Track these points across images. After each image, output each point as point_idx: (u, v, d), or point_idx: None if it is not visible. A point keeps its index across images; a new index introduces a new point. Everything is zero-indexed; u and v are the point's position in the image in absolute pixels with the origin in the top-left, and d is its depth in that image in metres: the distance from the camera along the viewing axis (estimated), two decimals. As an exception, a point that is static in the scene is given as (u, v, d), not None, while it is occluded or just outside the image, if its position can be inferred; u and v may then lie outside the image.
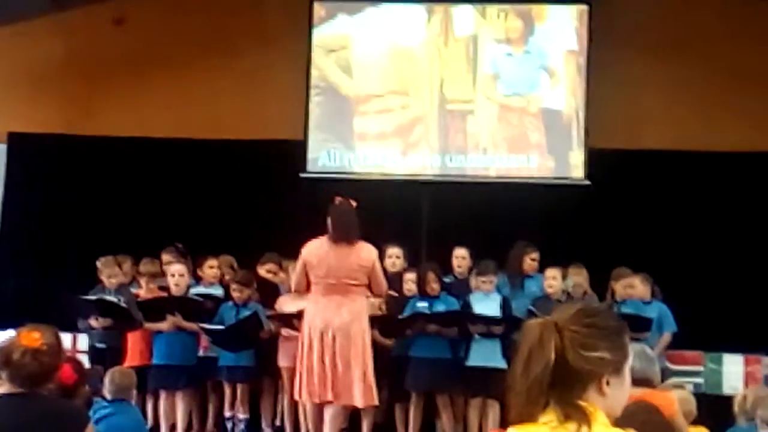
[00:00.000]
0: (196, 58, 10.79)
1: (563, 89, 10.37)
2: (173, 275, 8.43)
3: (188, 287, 8.54)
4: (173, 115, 10.69)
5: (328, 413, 7.16)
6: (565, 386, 2.20)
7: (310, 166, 10.47)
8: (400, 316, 8.16)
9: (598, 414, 2.20)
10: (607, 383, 2.23)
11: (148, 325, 8.35)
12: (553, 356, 2.19)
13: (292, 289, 7.83)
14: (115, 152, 10.80)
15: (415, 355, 8.14)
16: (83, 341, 8.86)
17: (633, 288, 8.46)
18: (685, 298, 9.01)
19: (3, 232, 11.01)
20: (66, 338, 7.54)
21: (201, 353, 8.46)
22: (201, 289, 8.71)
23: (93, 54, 10.93)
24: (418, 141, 10.50)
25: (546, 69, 10.39)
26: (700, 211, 10.13)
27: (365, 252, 7.23)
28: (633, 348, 2.35)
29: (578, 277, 8.55)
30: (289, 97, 10.49)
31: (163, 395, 8.33)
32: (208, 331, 8.29)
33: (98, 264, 8.78)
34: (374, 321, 7.68)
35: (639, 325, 7.71)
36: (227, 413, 8.41)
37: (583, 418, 2.18)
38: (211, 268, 8.82)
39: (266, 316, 8.30)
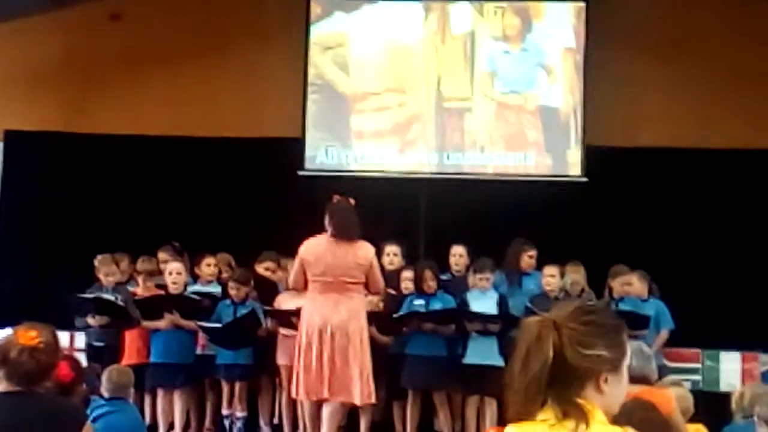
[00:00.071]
0: (194, 55, 10.78)
1: (561, 87, 10.37)
2: (171, 273, 8.43)
3: (186, 285, 8.54)
4: (170, 112, 10.68)
5: (326, 411, 7.16)
6: (564, 384, 2.20)
7: (307, 164, 10.47)
8: (395, 315, 8.16)
9: (596, 412, 2.21)
10: (605, 381, 2.24)
11: (146, 324, 8.34)
12: (551, 354, 2.19)
13: (290, 286, 7.83)
14: (113, 150, 10.79)
15: (411, 352, 8.14)
16: (81, 339, 8.84)
17: (630, 285, 8.47)
18: (683, 295, 9.02)
19: (0, 230, 10.99)
20: (63, 336, 7.55)
21: (199, 351, 8.46)
22: (198, 288, 8.71)
23: (90, 51, 10.93)
24: (416, 139, 10.50)
25: (543, 67, 10.38)
26: (698, 208, 10.13)
27: (363, 250, 7.24)
28: (630, 346, 2.35)
29: (576, 275, 8.54)
30: (286, 94, 10.48)
31: (160, 393, 8.33)
32: (205, 329, 8.28)
33: (95, 262, 8.76)
34: (372, 318, 7.68)
35: (636, 323, 7.72)
36: (225, 411, 8.40)
37: (582, 415, 2.18)
38: (208, 266, 8.81)
39: (264, 314, 8.29)
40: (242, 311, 8.25)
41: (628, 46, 10.30)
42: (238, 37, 10.74)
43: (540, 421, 2.22)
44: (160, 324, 8.28)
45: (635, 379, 3.21)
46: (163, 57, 10.81)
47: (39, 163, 11.03)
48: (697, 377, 9.07)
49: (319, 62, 10.58)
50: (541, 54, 10.39)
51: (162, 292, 8.51)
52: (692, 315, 8.92)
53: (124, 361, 7.90)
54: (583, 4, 10.29)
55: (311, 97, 10.54)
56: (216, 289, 8.72)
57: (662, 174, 10.27)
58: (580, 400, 2.21)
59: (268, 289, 8.56)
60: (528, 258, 8.82)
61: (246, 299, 8.38)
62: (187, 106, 10.66)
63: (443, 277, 8.60)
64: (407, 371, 8.12)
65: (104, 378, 5.90)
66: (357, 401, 7.21)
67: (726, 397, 6.06)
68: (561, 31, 10.36)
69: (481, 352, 8.04)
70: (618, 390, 2.29)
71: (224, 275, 8.89)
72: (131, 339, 8.48)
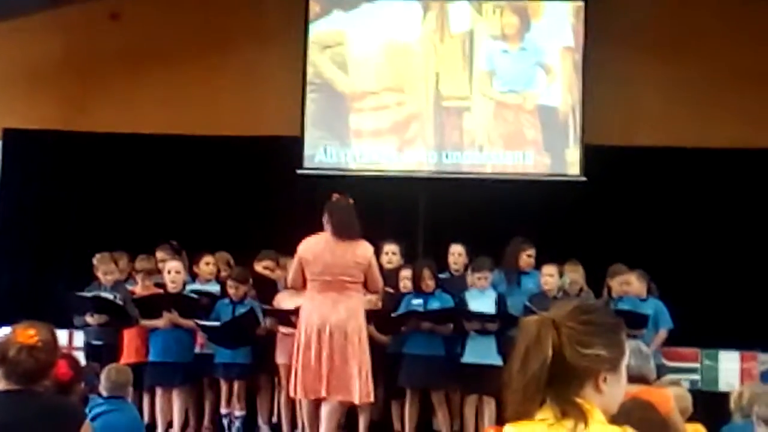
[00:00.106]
0: (193, 54, 10.78)
1: (559, 86, 10.37)
2: (169, 272, 8.43)
3: (184, 284, 8.54)
4: (170, 111, 10.67)
5: (325, 410, 7.16)
6: (562, 383, 2.20)
7: (306, 163, 10.46)
8: (393, 314, 8.16)
9: (594, 411, 2.21)
10: (604, 380, 2.24)
11: (145, 322, 8.34)
12: (550, 353, 2.19)
13: (288, 285, 7.83)
14: (112, 148, 10.79)
15: (409, 352, 8.15)
16: (79, 338, 8.84)
17: (629, 285, 8.47)
18: (681, 295, 9.02)
19: (-1, 228, 11.01)
20: (62, 335, 7.56)
21: (197, 350, 8.47)
22: (197, 286, 8.71)
23: (89, 50, 10.92)
24: (414, 138, 10.49)
25: (542, 66, 10.38)
26: (696, 208, 10.14)
27: (361, 249, 7.23)
28: (628, 345, 2.35)
29: (574, 274, 8.54)
30: (285, 93, 10.47)
31: (159, 392, 8.34)
32: (204, 328, 8.28)
33: (94, 261, 8.76)
34: (371, 317, 7.69)
35: (635, 322, 7.72)
36: (224, 410, 8.41)
37: (580, 415, 2.18)
38: (207, 264, 8.81)
39: (263, 312, 8.29)
40: (241, 310, 8.25)
41: (627, 46, 10.30)
42: (238, 35, 10.74)
43: (539, 420, 2.22)
44: (159, 323, 8.28)
45: (633, 378, 3.21)
46: (162, 56, 10.81)
47: (38, 161, 11.02)
48: (696, 377, 9.08)
49: (317, 61, 10.58)
50: (540, 53, 10.38)
51: (161, 290, 8.51)
52: (691, 314, 8.91)
53: (123, 360, 7.90)
54: (581, 4, 10.28)
55: (310, 96, 10.54)
56: (215, 288, 8.72)
57: (661, 173, 10.28)
58: (578, 400, 2.21)
59: (267, 288, 8.56)
60: (527, 257, 8.83)
61: (245, 298, 8.38)
62: (186, 105, 10.65)
63: (442, 276, 8.60)
64: (405, 370, 8.13)
65: (103, 377, 5.90)
66: (356, 400, 7.21)
67: (725, 396, 6.05)
68: (560, 30, 10.36)
69: (480, 352, 8.04)
70: (617, 389, 2.29)
71: (223, 274, 8.89)
72: (130, 338, 8.47)
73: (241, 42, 10.73)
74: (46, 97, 10.88)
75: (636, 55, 10.36)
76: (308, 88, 10.52)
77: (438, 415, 8.28)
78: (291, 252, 7.62)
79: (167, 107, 10.68)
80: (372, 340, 7.54)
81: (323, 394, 7.08)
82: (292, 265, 7.47)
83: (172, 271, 8.42)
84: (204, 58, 10.77)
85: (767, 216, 10.00)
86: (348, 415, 7.82)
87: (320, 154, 10.51)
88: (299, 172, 10.40)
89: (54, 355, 3.73)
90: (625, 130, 10.31)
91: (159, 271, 8.74)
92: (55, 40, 10.89)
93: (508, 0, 10.49)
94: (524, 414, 2.23)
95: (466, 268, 8.75)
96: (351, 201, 7.42)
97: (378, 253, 8.05)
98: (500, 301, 8.26)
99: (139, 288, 8.70)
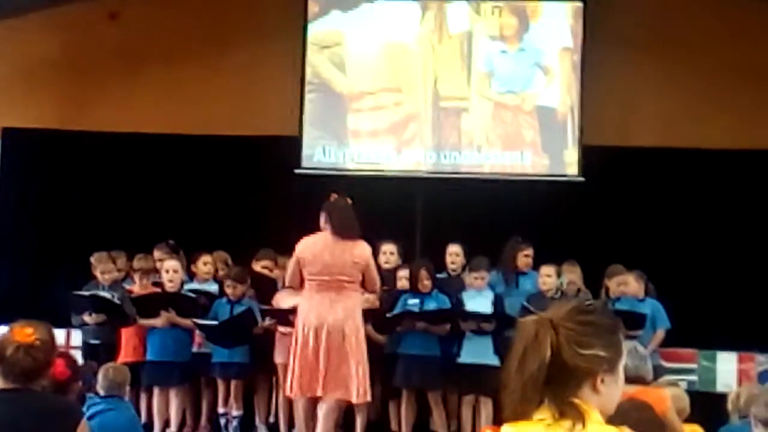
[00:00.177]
0: (191, 54, 10.78)
1: (558, 87, 10.37)
2: (167, 271, 8.43)
3: (182, 283, 8.54)
4: (168, 111, 10.67)
5: (322, 410, 7.16)
6: (560, 384, 2.20)
7: (304, 163, 10.46)
8: (388, 314, 8.16)
9: (592, 412, 2.21)
10: (602, 381, 2.23)
11: (142, 321, 8.34)
12: (548, 354, 2.19)
13: (286, 285, 7.82)
14: (110, 147, 10.79)
15: (404, 352, 8.15)
16: (77, 337, 8.83)
17: (626, 285, 8.47)
18: (679, 295, 9.03)
19: (-3, 227, 11.00)
20: (59, 334, 7.52)
21: (195, 349, 8.46)
22: (195, 286, 8.71)
23: (88, 50, 10.91)
24: (412, 138, 10.49)
25: (541, 66, 10.38)
26: (694, 208, 10.14)
27: (359, 249, 7.23)
28: (625, 346, 2.35)
29: (572, 275, 8.55)
30: (283, 93, 10.47)
31: (156, 391, 8.33)
32: (202, 327, 8.28)
33: (92, 260, 8.76)
34: (368, 316, 7.69)
35: (633, 322, 7.72)
36: (221, 409, 8.40)
37: (578, 415, 2.18)
38: (204, 264, 8.81)
39: (261, 311, 8.29)
40: (239, 309, 8.25)
41: (625, 46, 10.30)
42: (236, 35, 10.73)
43: (536, 420, 2.22)
44: (157, 322, 8.28)
45: (630, 379, 3.21)
46: (160, 55, 10.81)
47: (37, 160, 11.02)
48: (694, 377, 9.08)
49: (315, 61, 10.57)
50: (539, 54, 10.38)
51: (158, 290, 8.51)
52: (689, 315, 8.93)
53: (120, 359, 7.90)
54: (580, 4, 10.29)
55: (308, 96, 10.53)
56: (213, 287, 8.72)
57: (659, 174, 10.28)
58: (576, 400, 2.21)
59: (266, 287, 8.55)
60: (524, 257, 8.83)
61: (242, 297, 8.38)
62: (184, 105, 10.65)
63: (439, 276, 8.59)
64: (400, 370, 8.13)
65: (100, 376, 5.90)
66: (353, 399, 7.21)
67: (722, 397, 6.06)
68: (558, 30, 10.36)
69: (476, 352, 8.04)
70: (614, 390, 2.29)
71: (221, 273, 8.89)
72: (127, 337, 8.47)
73: (239, 42, 10.72)
74: (45, 97, 10.88)
75: (634, 56, 10.36)
76: (306, 88, 10.51)
77: (434, 415, 8.28)
78: (289, 251, 7.62)
79: (166, 107, 10.68)
80: (369, 340, 7.54)
81: (319, 393, 7.08)
82: (290, 265, 7.46)
83: (170, 270, 8.42)
84: (202, 57, 10.77)
85: (765, 217, 10.01)
86: (345, 414, 7.81)
87: (318, 153, 10.51)
88: (297, 171, 10.40)
89: (51, 354, 3.73)
90: (623, 131, 10.32)
91: (157, 271, 8.73)
92: (54, 40, 10.88)
93: (506, 0, 10.50)
94: (522, 414, 2.23)
95: (463, 268, 8.75)
96: (349, 201, 7.42)
97: (376, 253, 8.04)
98: (497, 302, 8.26)
99: (137, 287, 8.69)
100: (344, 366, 7.05)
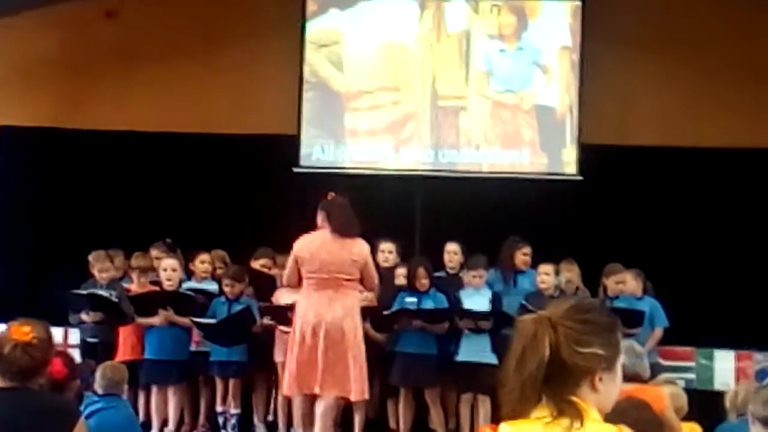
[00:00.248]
0: (188, 52, 10.77)
1: (556, 86, 10.36)
2: (165, 270, 8.43)
3: (181, 282, 8.53)
4: (165, 109, 10.67)
5: (320, 408, 7.16)
6: (559, 382, 2.20)
7: (303, 161, 10.46)
8: (385, 312, 8.16)
9: (590, 410, 2.21)
10: (600, 379, 2.24)
11: (140, 320, 8.34)
12: (547, 352, 2.19)
13: (284, 283, 7.82)
14: (107, 146, 10.78)
15: (401, 350, 8.15)
16: (75, 335, 8.82)
17: (624, 284, 8.48)
18: (677, 294, 9.03)
19: (-6, 226, 10.99)
20: (57, 332, 7.49)
21: (193, 348, 8.45)
22: (193, 284, 8.70)
23: (84, 48, 10.91)
24: (410, 137, 10.49)
25: (539, 65, 10.38)
26: (692, 207, 10.15)
27: (357, 247, 7.23)
28: (622, 344, 2.35)
29: (570, 273, 8.55)
30: (281, 91, 10.47)
31: (154, 390, 8.33)
32: (200, 326, 8.28)
33: (90, 258, 8.74)
34: (366, 314, 7.69)
35: (631, 320, 7.73)
36: (219, 408, 8.40)
37: (576, 414, 2.18)
38: (202, 263, 8.80)
39: (259, 310, 8.28)
40: (237, 308, 8.25)
41: (624, 45, 10.30)
42: (233, 33, 10.73)
43: (535, 419, 2.22)
44: (155, 320, 8.28)
45: (628, 377, 3.21)
46: (157, 53, 10.80)
47: (33, 158, 11.01)
48: (691, 376, 9.08)
49: (313, 59, 10.56)
50: (537, 53, 10.38)
51: (156, 288, 8.51)
52: (686, 313, 8.92)
53: (118, 358, 7.89)
54: (579, 3, 10.28)
55: (306, 94, 10.53)
56: (212, 286, 8.71)
57: (657, 173, 10.28)
58: (574, 398, 2.21)
59: (265, 284, 8.54)
60: (522, 256, 8.83)
61: (240, 296, 8.37)
62: (182, 103, 10.65)
63: (437, 274, 8.60)
64: (397, 369, 8.14)
65: (98, 374, 5.89)
66: (351, 397, 7.21)
67: (720, 395, 6.06)
68: (557, 29, 10.35)
69: (474, 350, 8.04)
70: (612, 388, 2.29)
71: (219, 272, 8.88)
72: (125, 335, 8.47)
73: (236, 40, 10.72)
74: (41, 95, 10.87)
75: (633, 54, 10.36)
76: (304, 86, 10.51)
77: (432, 414, 8.28)
78: (287, 250, 7.61)
79: (162, 105, 10.68)
80: (368, 338, 7.55)
81: (317, 390, 7.08)
82: (288, 264, 7.46)
83: (168, 268, 8.42)
84: (199, 55, 10.76)
85: (763, 215, 10.01)
86: (343, 413, 7.82)
87: (317, 152, 10.51)
88: (296, 170, 10.39)
89: (49, 353, 3.73)
90: (621, 130, 10.32)
91: (155, 269, 8.72)
92: (50, 38, 10.87)
93: (505, -1, 10.50)
94: (520, 413, 2.23)
95: (461, 266, 8.75)
96: (346, 199, 7.42)
97: (374, 251, 8.04)
98: (495, 300, 8.27)
99: (135, 285, 8.69)
100: (342, 364, 7.05)
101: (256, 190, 10.51)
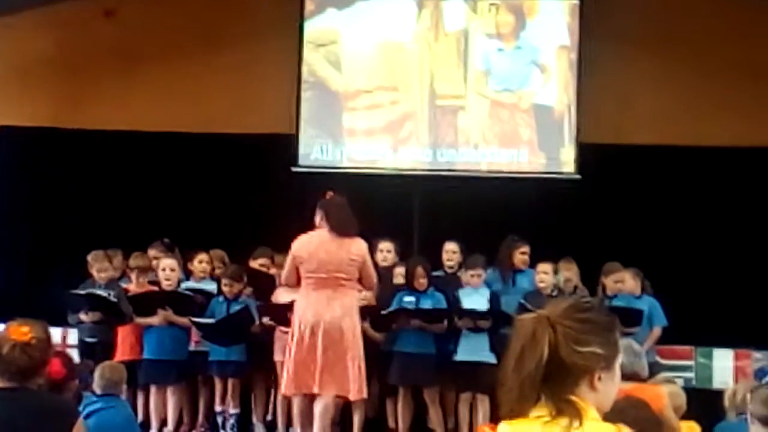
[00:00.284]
0: (187, 52, 10.77)
1: (554, 85, 10.36)
2: (164, 270, 8.42)
3: (179, 282, 8.53)
4: (163, 108, 10.67)
5: (319, 407, 7.16)
6: (557, 381, 2.20)
7: (301, 161, 10.46)
8: (383, 311, 8.16)
9: (589, 409, 2.21)
10: (599, 378, 2.24)
11: (139, 320, 8.33)
12: (546, 351, 2.19)
13: (282, 283, 7.82)
14: (105, 146, 10.78)
15: (399, 350, 8.15)
16: (73, 336, 8.81)
17: (623, 283, 8.48)
18: (676, 293, 9.03)
19: (-8, 225, 10.99)
20: (56, 333, 7.53)
21: (192, 348, 8.45)
22: (192, 284, 8.70)
23: (82, 47, 10.91)
24: (409, 137, 10.48)
25: (537, 64, 10.38)
26: (691, 206, 10.15)
27: (356, 246, 7.23)
28: (621, 343, 2.35)
29: (568, 272, 8.55)
30: (279, 91, 10.47)
31: (153, 390, 8.32)
32: (198, 326, 8.27)
33: (88, 258, 8.73)
34: (365, 313, 7.69)
35: (630, 319, 7.74)
36: (218, 408, 8.39)
37: (575, 413, 2.18)
38: (200, 262, 8.79)
39: (258, 309, 8.28)
40: (235, 308, 8.24)
41: (622, 44, 10.30)
42: (232, 33, 10.72)
43: (534, 418, 2.22)
44: (153, 320, 8.27)
45: (626, 376, 3.21)
46: (156, 53, 10.79)
47: (32, 158, 11.01)
48: (690, 374, 9.09)
49: (311, 59, 10.56)
50: (535, 52, 10.38)
51: (155, 288, 8.50)
52: (685, 312, 8.93)
53: (117, 358, 7.88)
54: (577, 2, 10.28)
55: (304, 94, 10.53)
56: (211, 286, 8.70)
57: (655, 172, 10.29)
58: (573, 398, 2.21)
59: (264, 284, 8.54)
60: (521, 255, 8.82)
61: (239, 296, 8.37)
62: (180, 103, 10.64)
63: (436, 273, 8.60)
64: (395, 368, 8.13)
65: (96, 374, 5.89)
66: (350, 396, 7.21)
67: (719, 394, 6.07)
68: (555, 28, 10.35)
69: (473, 349, 8.04)
70: (611, 387, 2.29)
71: (217, 272, 8.88)
72: (124, 335, 8.46)
73: (235, 40, 10.71)
74: (40, 94, 10.87)
75: (631, 53, 10.36)
76: (303, 86, 10.50)
77: (431, 413, 8.28)
78: (286, 250, 7.60)
79: (161, 104, 10.68)
80: (367, 337, 7.54)
81: (316, 390, 7.08)
82: (286, 263, 7.46)
83: (167, 268, 8.42)
84: (198, 55, 10.76)
85: (762, 214, 10.02)
86: (342, 412, 7.82)
87: (316, 151, 10.50)
88: (294, 170, 10.39)
89: (48, 353, 3.73)
90: (620, 129, 10.32)
91: (153, 269, 8.72)
92: (49, 38, 10.87)
93: (503, -2, 10.50)
94: (519, 412, 2.23)
95: (460, 265, 8.75)
96: (344, 199, 7.42)
97: (373, 250, 8.05)
98: (493, 299, 8.27)
99: (134, 285, 8.68)
100: (341, 363, 7.05)
101: (255, 190, 10.51)
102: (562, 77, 10.32)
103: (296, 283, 7.32)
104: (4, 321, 3.79)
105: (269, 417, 8.53)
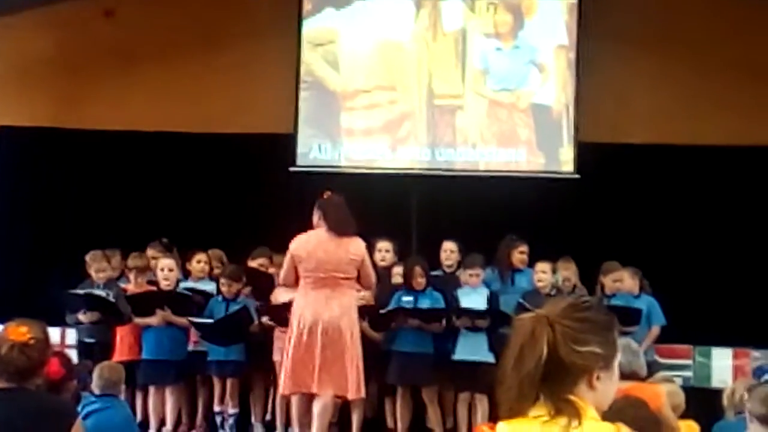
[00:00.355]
0: (185, 51, 10.77)
1: (553, 84, 10.36)
2: (162, 270, 8.42)
3: (178, 282, 8.52)
4: (162, 108, 10.67)
5: (318, 407, 7.15)
6: (556, 381, 2.20)
7: (300, 161, 10.46)
8: (382, 311, 8.17)
9: (588, 408, 2.21)
10: (598, 378, 2.24)
11: (138, 320, 8.32)
12: (545, 351, 2.19)
13: (281, 283, 7.82)
14: (105, 146, 10.77)
15: (398, 349, 8.14)
16: (72, 336, 8.82)
17: (621, 282, 8.49)
18: (674, 291, 9.03)
19: (-9, 225, 10.98)
20: (54, 333, 7.51)
21: (191, 348, 8.44)
22: (190, 284, 8.69)
23: (81, 47, 10.90)
24: (407, 136, 10.48)
25: (536, 64, 10.38)
26: (690, 205, 10.15)
27: (354, 246, 7.23)
28: (619, 342, 2.35)
29: (567, 272, 8.56)
30: (277, 90, 10.47)
31: (152, 390, 8.32)
32: (197, 326, 8.27)
33: (87, 258, 8.73)
34: (364, 313, 7.69)
35: (629, 318, 7.74)
36: (217, 408, 8.38)
37: (574, 412, 2.18)
38: (199, 262, 8.79)
39: (256, 308, 8.28)
40: (234, 308, 8.24)
41: (620, 43, 10.30)
42: (230, 33, 10.72)
43: (532, 417, 2.22)
44: (152, 320, 8.26)
45: (624, 375, 3.21)
46: (155, 53, 10.79)
47: (30, 158, 11.00)
48: (689, 373, 9.09)
49: (309, 59, 10.56)
50: (534, 51, 10.38)
51: (153, 288, 8.50)
52: (684, 311, 8.93)
53: (116, 358, 7.88)
54: (575, 1, 10.28)
55: (302, 93, 10.52)
56: (209, 285, 8.70)
57: (654, 171, 10.29)
58: (572, 397, 2.21)
59: (263, 283, 8.53)
60: (519, 254, 8.83)
61: (238, 295, 8.36)
62: (179, 102, 10.64)
63: (434, 273, 8.60)
64: (394, 367, 8.13)
65: (95, 375, 5.89)
66: (348, 395, 7.21)
67: (717, 393, 6.07)
68: (553, 28, 10.35)
69: (471, 349, 8.04)
70: (609, 387, 2.29)
71: (216, 272, 8.87)
72: (122, 335, 8.45)
73: (233, 39, 10.71)
74: (39, 94, 10.86)
75: (629, 52, 10.36)
76: (301, 86, 10.50)
77: (428, 412, 8.28)
78: (284, 249, 7.60)
79: (160, 104, 10.68)
80: (365, 337, 7.54)
81: (314, 389, 7.08)
82: (284, 263, 7.46)
83: (165, 268, 8.41)
84: (197, 55, 10.75)
85: (760, 213, 10.02)
86: (341, 412, 7.82)
87: (314, 151, 10.50)
88: (292, 169, 10.39)
89: (46, 353, 3.73)
90: (618, 128, 10.32)
91: (152, 269, 8.71)
92: (48, 37, 10.87)
93: (501, -3, 10.50)
94: (518, 411, 2.23)
95: (458, 265, 8.75)
96: (342, 198, 7.42)
97: (371, 250, 8.05)
98: (492, 299, 8.27)
99: (132, 285, 8.67)
100: (339, 363, 7.05)
101: (253, 190, 10.50)
102: (561, 77, 10.32)
103: (295, 282, 7.32)
104: (2, 321, 3.79)
105: (268, 417, 8.52)
